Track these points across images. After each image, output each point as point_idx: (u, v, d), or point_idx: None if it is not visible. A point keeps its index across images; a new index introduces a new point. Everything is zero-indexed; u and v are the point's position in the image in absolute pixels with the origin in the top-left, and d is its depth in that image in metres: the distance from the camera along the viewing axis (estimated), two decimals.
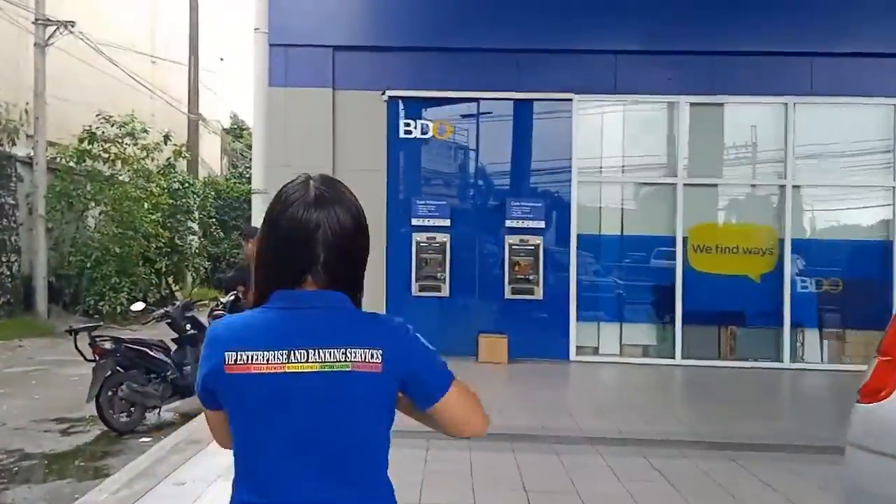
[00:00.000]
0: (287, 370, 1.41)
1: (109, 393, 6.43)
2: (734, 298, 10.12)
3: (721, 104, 10.20)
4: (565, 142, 10.06)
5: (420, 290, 9.96)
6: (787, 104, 9.96)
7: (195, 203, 17.74)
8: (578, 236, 10.05)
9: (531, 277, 10.01)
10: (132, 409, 6.56)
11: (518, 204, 9.99)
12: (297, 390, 1.41)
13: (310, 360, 1.41)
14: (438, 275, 9.99)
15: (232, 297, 8.82)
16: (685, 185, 10.03)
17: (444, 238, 9.96)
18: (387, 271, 9.95)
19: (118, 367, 6.54)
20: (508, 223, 9.98)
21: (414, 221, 9.97)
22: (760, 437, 6.04)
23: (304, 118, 9.91)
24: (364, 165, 9.91)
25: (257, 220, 10.09)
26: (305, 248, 1.46)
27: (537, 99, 10.02)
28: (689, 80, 9.97)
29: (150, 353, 6.79)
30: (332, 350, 1.42)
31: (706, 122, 10.30)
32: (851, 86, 9.85)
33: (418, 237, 9.96)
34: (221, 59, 24.36)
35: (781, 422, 6.87)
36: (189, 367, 6.99)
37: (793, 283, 9.94)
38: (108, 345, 6.52)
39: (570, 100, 10.00)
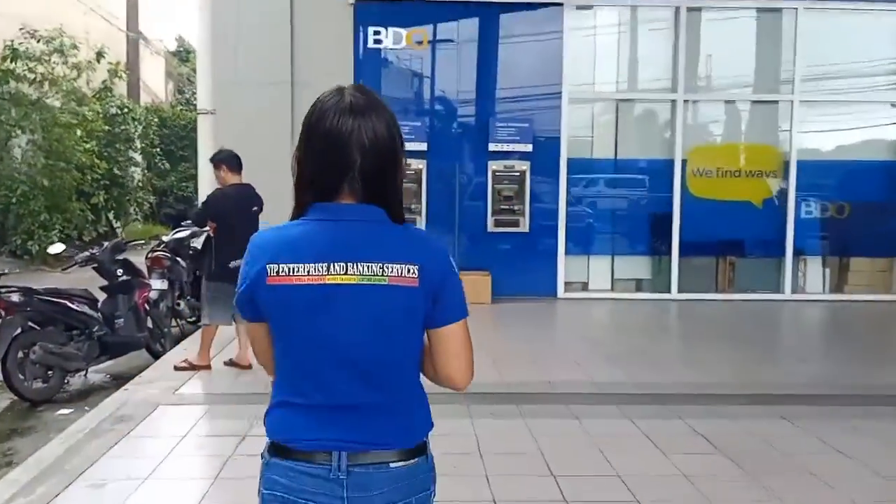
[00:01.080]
0: (327, 281, 1.43)
1: (20, 355, 5.28)
2: (734, 226, 9.33)
3: (725, 8, 9.14)
4: (555, 55, 8.92)
5: None
6: (796, 9, 8.95)
7: (136, 131, 16.11)
8: (569, 161, 9.05)
9: (516, 208, 9.02)
10: (49, 373, 5.43)
11: (503, 125, 8.90)
12: (336, 300, 1.43)
13: (349, 273, 1.43)
14: (413, 206, 8.91)
15: (184, 233, 7.67)
16: (685, 101, 9.05)
17: (419, 164, 8.85)
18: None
19: (30, 324, 5.39)
20: (492, 147, 8.90)
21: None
22: (802, 385, 5.29)
23: (257, 26, 8.55)
24: (328, 81, 8.46)
25: (206, 144, 8.81)
26: (342, 155, 1.45)
27: (524, 3, 8.78)
28: None
29: (70, 305, 5.63)
30: (370, 264, 1.43)
31: (708, 31, 9.24)
32: None
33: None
34: None
35: (815, 364, 6.12)
36: (122, 319, 5.89)
37: (797, 208, 9.18)
38: (15, 297, 5.33)
39: (561, 4, 8.81)
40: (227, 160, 5.61)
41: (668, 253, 9.16)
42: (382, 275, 1.43)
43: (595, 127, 9.32)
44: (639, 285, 9.41)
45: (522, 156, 8.95)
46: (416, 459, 1.52)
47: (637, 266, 9.40)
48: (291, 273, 1.43)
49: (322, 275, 1.43)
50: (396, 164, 1.51)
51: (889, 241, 9.24)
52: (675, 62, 9.00)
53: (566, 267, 9.12)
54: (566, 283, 9.16)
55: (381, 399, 1.48)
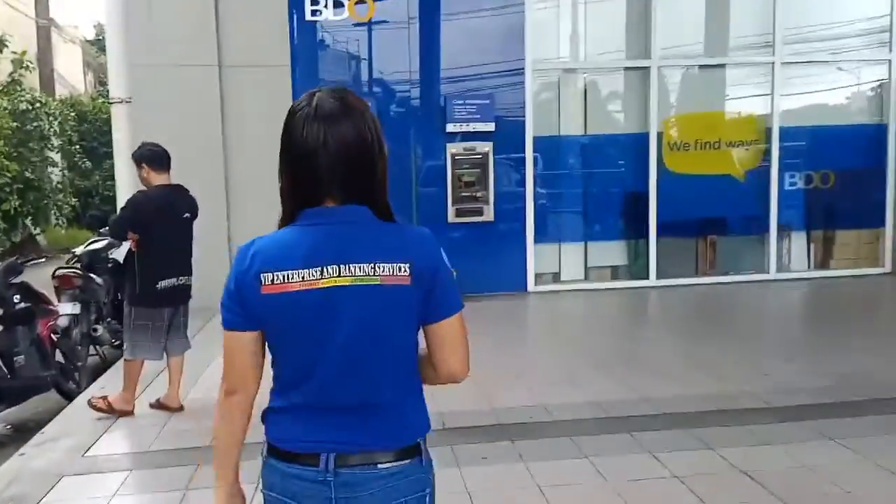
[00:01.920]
0: (321, 286, 1.42)
1: None
2: (715, 203, 8.66)
3: None
4: (516, 24, 8.02)
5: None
6: None
7: (51, 127, 14.60)
8: (535, 140, 8.20)
9: (479, 195, 8.15)
10: None
11: (461, 104, 7.98)
12: (332, 303, 1.43)
13: (342, 275, 1.43)
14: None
15: (100, 243, 6.56)
16: (660, 68, 8.28)
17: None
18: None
19: None
20: (450, 127, 7.99)
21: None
22: (831, 390, 4.57)
23: None
24: (259, 60, 7.59)
25: (123, 139, 7.65)
26: (315, 165, 1.44)
27: None
28: None
29: None
30: (361, 265, 1.43)
31: None
32: None
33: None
34: None
35: (833, 359, 5.35)
36: (22, 356, 4.81)
37: (780, 179, 8.54)
38: None
39: None
40: (148, 157, 4.53)
41: (645, 236, 8.43)
42: (374, 275, 1.44)
43: (562, 101, 8.48)
44: (614, 273, 8.67)
45: (484, 136, 8.07)
46: (409, 460, 1.51)
47: (612, 252, 8.65)
48: (286, 280, 1.43)
49: (316, 279, 1.42)
50: (374, 165, 1.50)
51: (875, 211, 8.70)
52: (647, 27, 8.21)
53: (536, 257, 8.31)
54: (537, 276, 8.36)
55: (376, 399, 1.49)
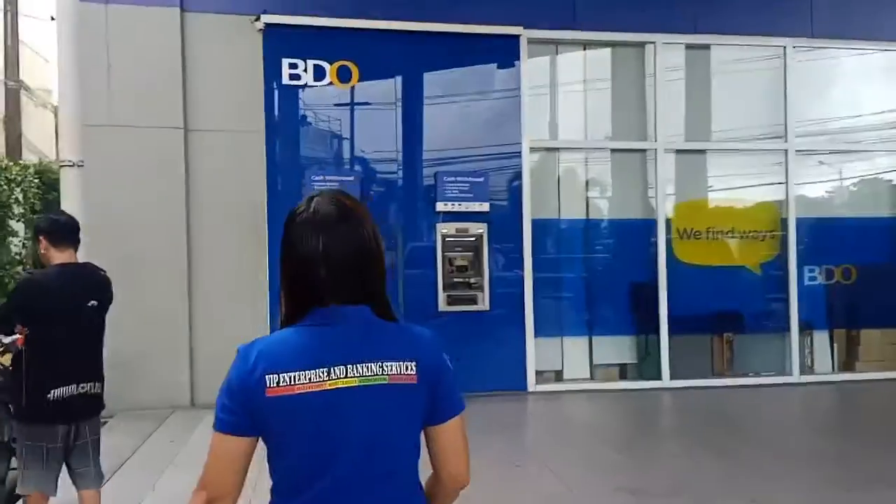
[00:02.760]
0: (328, 387, 1.39)
1: None
2: (730, 297, 7.88)
3: (706, 46, 7.90)
4: (512, 94, 7.41)
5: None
6: (784, 47, 7.82)
7: (13, 195, 13.58)
8: (533, 223, 7.43)
9: (473, 281, 7.28)
10: None
11: (452, 181, 7.23)
12: (340, 405, 1.39)
13: (349, 376, 1.40)
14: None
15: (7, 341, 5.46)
16: (665, 151, 7.66)
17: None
18: (269, 282, 6.88)
19: None
20: (441, 206, 7.20)
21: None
22: None
23: (136, 52, 6.68)
24: (231, 125, 6.85)
25: (69, 204, 6.70)
26: (314, 271, 1.43)
27: (474, 34, 7.26)
28: (667, 15, 7.59)
29: None
30: (369, 364, 1.41)
31: (689, 69, 7.98)
32: (858, 27, 7.87)
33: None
34: (52, 19, 19.86)
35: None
36: None
37: (799, 274, 7.81)
38: None
39: (518, 36, 7.35)
40: (46, 228, 3.51)
41: (656, 331, 7.58)
42: (382, 374, 1.41)
43: (562, 181, 7.78)
44: (623, 372, 7.74)
45: (478, 217, 7.29)
46: None
47: (619, 348, 7.75)
48: (293, 382, 1.38)
49: (323, 381, 1.38)
50: (374, 267, 1.49)
51: None
52: (654, 107, 7.64)
53: (537, 352, 7.37)
54: (537, 373, 7.40)
55: (395, 499, 1.44)
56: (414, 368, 1.42)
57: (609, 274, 7.72)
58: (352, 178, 7.05)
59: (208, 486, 1.42)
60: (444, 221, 7.22)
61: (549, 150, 7.68)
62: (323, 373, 1.38)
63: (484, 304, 7.23)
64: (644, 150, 7.73)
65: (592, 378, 7.62)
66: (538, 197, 7.53)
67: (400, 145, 7.27)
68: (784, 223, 7.82)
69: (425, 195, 7.30)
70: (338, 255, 1.42)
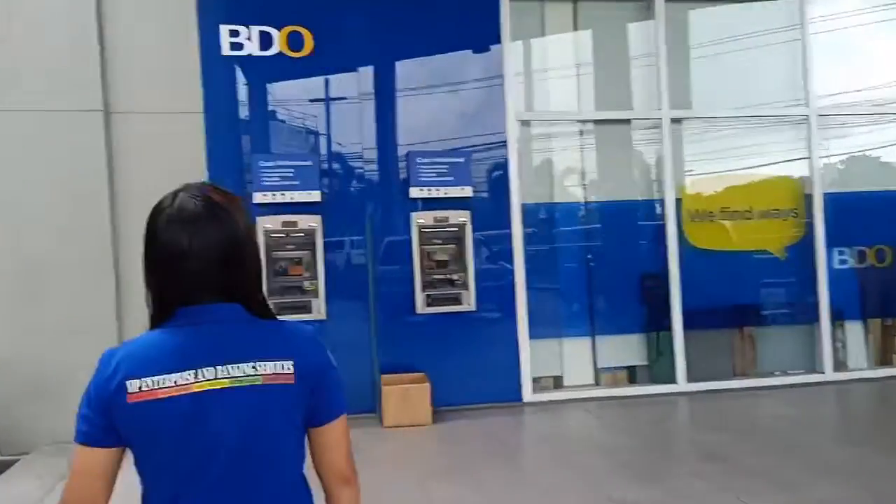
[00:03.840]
0: (195, 390, 1.30)
1: None
2: (750, 286, 6.91)
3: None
4: (495, 58, 6.39)
5: (277, 313, 5.91)
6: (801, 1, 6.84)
7: None
8: (523, 208, 6.43)
9: (455, 277, 6.27)
10: None
11: (428, 162, 6.21)
12: (210, 409, 1.30)
13: (219, 377, 1.31)
14: (306, 285, 6.04)
15: None
16: (673, 120, 6.66)
17: (311, 223, 6.01)
18: None
19: None
20: (415, 192, 6.18)
21: (258, 197, 5.94)
22: None
23: (44, 24, 5.61)
24: (162, 106, 5.80)
25: None
26: (180, 270, 1.34)
27: None
28: None
29: None
30: (241, 364, 1.32)
31: (696, 26, 6.98)
32: None
33: (267, 224, 5.94)
34: None
35: None
36: None
37: (828, 257, 6.84)
38: None
39: None
40: None
41: (668, 328, 6.59)
42: (256, 374, 1.32)
43: (555, 159, 6.77)
44: (632, 375, 6.74)
45: (459, 203, 6.27)
46: None
47: (627, 349, 6.75)
48: (156, 386, 1.29)
49: (189, 383, 1.30)
50: (245, 262, 1.40)
51: None
52: (659, 71, 6.64)
53: (532, 357, 6.37)
54: (534, 381, 6.40)
55: None
56: (291, 368, 1.34)
57: (612, 264, 6.72)
58: (309, 164, 6.01)
59: (70, 496, 1.32)
60: (420, 210, 6.21)
61: (540, 122, 6.67)
62: (190, 375, 1.30)
63: (469, 303, 6.22)
64: (649, 121, 6.73)
65: (597, 384, 6.63)
66: (528, 178, 6.54)
67: (365, 123, 6.25)
68: (809, 200, 6.85)
69: (397, 180, 6.28)
70: (204, 254, 1.33)
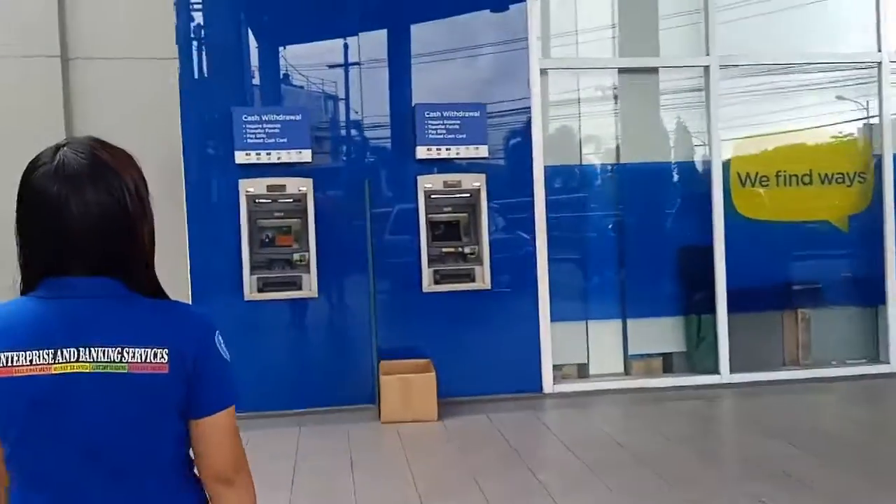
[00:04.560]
0: (54, 371, 1.18)
1: None
2: (806, 262, 6.04)
3: None
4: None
5: (260, 291, 5.19)
6: None
7: None
8: (546, 171, 5.58)
9: (468, 251, 5.48)
10: None
11: (437, 116, 5.36)
12: (68, 393, 1.18)
13: (80, 360, 1.19)
14: (295, 258, 5.27)
15: None
16: (722, 68, 5.74)
17: (301, 186, 5.23)
18: (190, 257, 5.12)
19: None
20: (422, 152, 5.35)
21: (240, 157, 5.15)
22: None
23: None
24: (130, 50, 4.99)
25: None
26: (53, 231, 1.20)
27: None
28: None
29: None
30: (106, 349, 1.19)
31: None
32: None
33: (250, 187, 5.16)
34: None
35: None
36: None
37: None
38: None
39: None
40: None
41: (711, 310, 5.75)
42: (121, 361, 1.20)
43: (583, 115, 5.90)
44: (668, 364, 5.93)
45: (473, 165, 5.45)
46: None
47: (663, 334, 5.93)
48: (10, 363, 1.18)
49: (48, 363, 1.18)
50: (132, 232, 1.24)
51: None
52: (705, 8, 5.70)
53: (554, 342, 5.58)
54: (556, 370, 5.63)
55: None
56: (165, 356, 1.20)
57: (647, 236, 5.87)
58: (297, 117, 5.19)
59: None
60: (427, 173, 5.39)
61: (567, 70, 5.78)
62: (48, 354, 1.18)
63: (483, 280, 5.43)
64: (693, 69, 5.81)
65: (627, 373, 5.85)
66: (554, 136, 5.68)
67: (362, 68, 5.40)
68: (878, 162, 5.92)
69: (401, 138, 5.46)
70: (83, 219, 1.19)
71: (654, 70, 5.85)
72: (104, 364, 1.18)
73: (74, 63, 4.97)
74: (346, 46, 5.46)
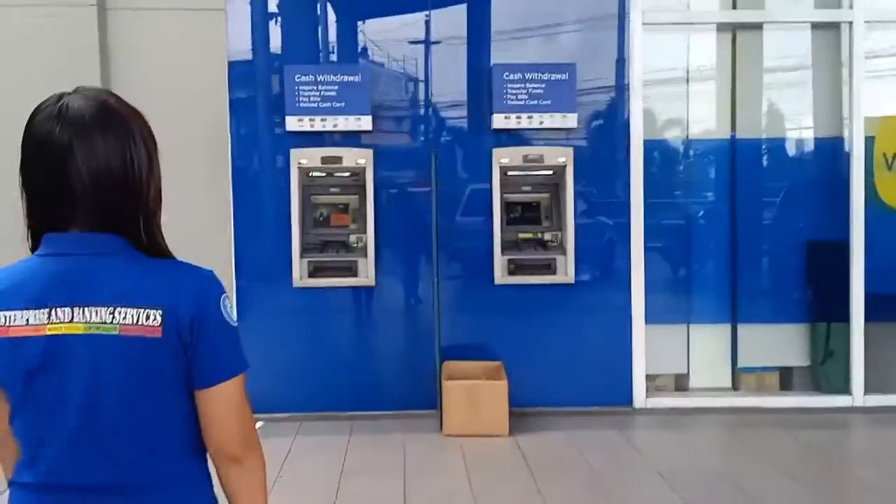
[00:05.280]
0: (48, 332, 1.14)
1: None
2: None
3: None
4: None
5: (311, 276, 4.56)
6: None
7: None
8: (646, 145, 4.72)
9: (549, 238, 4.69)
10: None
11: (518, 78, 4.57)
12: (61, 356, 1.14)
13: (74, 320, 1.14)
14: (351, 240, 4.62)
15: None
16: (867, 23, 4.70)
17: (360, 158, 4.55)
18: (234, 236, 4.54)
19: None
20: (499, 120, 4.58)
21: (291, 123, 4.51)
22: None
23: None
24: (178, 1, 4.42)
25: None
26: (55, 181, 1.14)
27: None
28: None
29: None
30: (98, 308, 1.14)
31: None
32: None
33: (302, 159, 4.52)
34: None
35: None
36: None
37: None
38: None
39: None
40: None
41: (843, 317, 4.76)
42: (112, 322, 1.14)
43: (693, 80, 4.98)
44: (786, 380, 4.98)
45: (557, 138, 4.65)
46: None
47: (781, 343, 4.97)
48: (8, 323, 1.14)
49: (43, 324, 1.14)
50: (137, 187, 1.18)
51: None
52: None
53: (648, 348, 4.73)
54: (648, 380, 4.78)
55: (126, 481, 1.16)
56: (159, 318, 1.13)
57: (767, 226, 4.94)
58: (356, 78, 4.51)
59: None
60: (504, 145, 4.63)
61: (673, 26, 4.88)
62: (43, 314, 1.13)
63: (566, 272, 4.63)
64: (830, 26, 4.81)
65: (735, 389, 4.94)
66: (655, 105, 4.81)
67: (432, 20, 4.67)
68: None
69: (476, 103, 4.71)
70: (88, 161, 1.13)
71: (779, 27, 4.86)
72: (96, 325, 1.13)
73: (114, 14, 4.44)
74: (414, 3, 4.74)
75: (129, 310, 1.12)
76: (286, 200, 4.51)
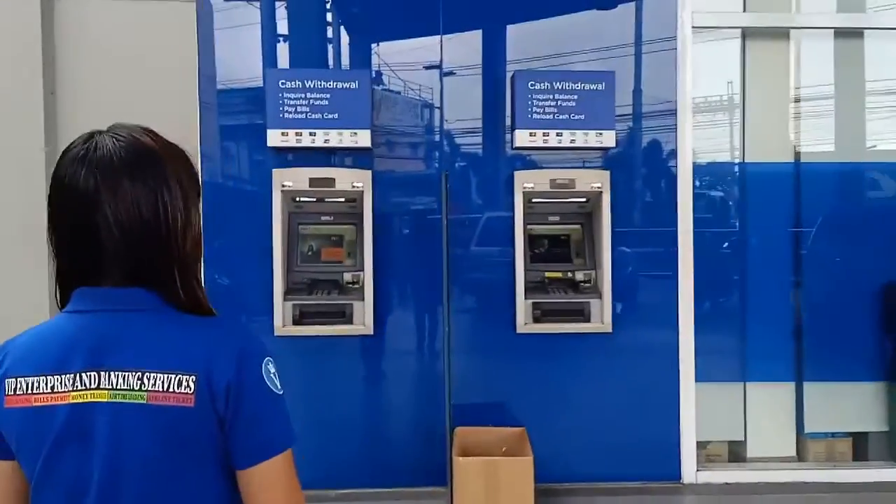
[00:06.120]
0: (72, 401, 1.05)
1: None
2: None
3: None
4: None
5: (296, 323, 3.76)
6: None
7: None
8: (696, 169, 3.98)
9: (581, 278, 3.91)
10: None
11: (546, 88, 3.83)
12: (87, 427, 1.05)
13: (101, 386, 1.06)
14: (346, 279, 3.83)
15: None
16: None
17: (357, 181, 3.78)
18: (204, 272, 3.76)
19: None
20: (522, 138, 3.83)
21: (274, 137, 3.75)
22: None
23: None
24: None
25: None
26: (80, 232, 1.08)
27: None
28: None
29: None
30: (125, 373, 1.06)
31: None
32: None
33: (287, 181, 3.75)
34: None
35: None
36: None
37: None
38: None
39: None
40: None
41: None
42: (140, 389, 1.05)
43: (750, 93, 4.26)
44: (860, 448, 4.20)
45: (591, 159, 3.91)
46: None
47: (855, 404, 4.19)
48: (30, 390, 1.05)
49: (67, 391, 1.05)
50: (170, 238, 1.11)
51: None
52: None
53: (698, 411, 3.95)
54: (700, 448, 4.00)
55: None
56: (192, 385, 1.04)
57: (838, 267, 4.19)
58: (353, 85, 3.76)
59: None
60: (528, 168, 3.89)
61: (726, 31, 4.17)
62: (68, 379, 1.05)
63: (601, 319, 3.85)
64: None
65: (801, 459, 4.15)
66: (707, 123, 4.08)
67: (443, 17, 3.94)
68: None
69: (494, 117, 3.97)
70: (112, 217, 1.06)
71: (859, 33, 4.16)
72: (122, 392, 1.03)
73: (60, 2, 3.71)
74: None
75: (158, 374, 1.04)
76: (267, 230, 3.74)
